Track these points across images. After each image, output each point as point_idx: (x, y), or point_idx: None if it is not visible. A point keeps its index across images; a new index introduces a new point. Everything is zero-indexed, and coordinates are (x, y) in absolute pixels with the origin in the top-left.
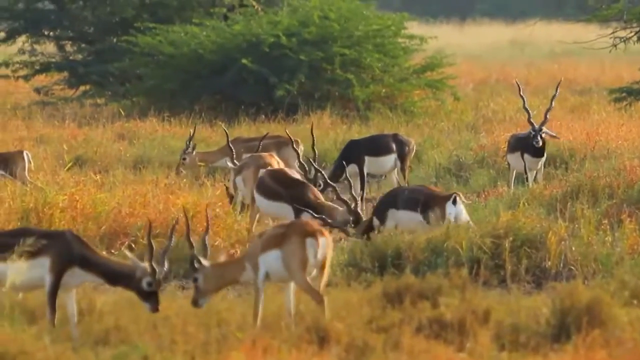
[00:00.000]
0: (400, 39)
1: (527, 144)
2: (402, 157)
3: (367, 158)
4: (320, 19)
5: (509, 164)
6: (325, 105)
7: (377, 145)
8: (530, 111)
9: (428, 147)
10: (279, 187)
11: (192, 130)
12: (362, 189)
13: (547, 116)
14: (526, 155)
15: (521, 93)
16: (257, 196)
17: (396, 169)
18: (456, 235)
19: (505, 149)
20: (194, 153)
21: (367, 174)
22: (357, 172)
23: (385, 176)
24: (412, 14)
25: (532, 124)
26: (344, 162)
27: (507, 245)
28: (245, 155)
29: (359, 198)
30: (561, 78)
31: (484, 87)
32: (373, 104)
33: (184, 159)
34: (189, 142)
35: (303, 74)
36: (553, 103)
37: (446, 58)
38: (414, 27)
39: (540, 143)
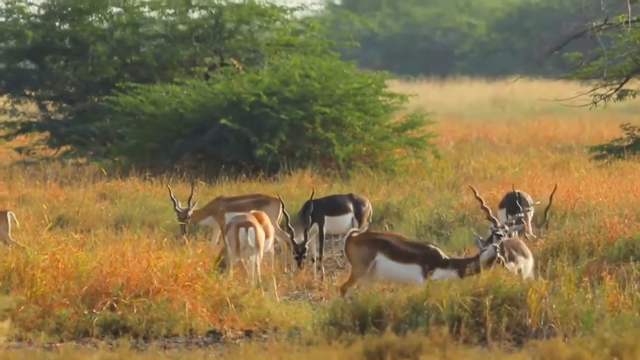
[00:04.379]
0: (381, 97)
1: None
2: (359, 216)
3: (326, 217)
4: (301, 78)
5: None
6: (306, 164)
7: (336, 205)
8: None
9: (409, 206)
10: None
11: (192, 189)
12: (321, 248)
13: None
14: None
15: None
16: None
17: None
18: (437, 293)
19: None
20: (191, 212)
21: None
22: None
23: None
24: (392, 72)
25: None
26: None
27: (487, 303)
28: (228, 215)
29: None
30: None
31: (465, 145)
32: (354, 163)
33: (187, 217)
34: (189, 201)
35: (284, 133)
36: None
37: (427, 116)
38: (395, 86)
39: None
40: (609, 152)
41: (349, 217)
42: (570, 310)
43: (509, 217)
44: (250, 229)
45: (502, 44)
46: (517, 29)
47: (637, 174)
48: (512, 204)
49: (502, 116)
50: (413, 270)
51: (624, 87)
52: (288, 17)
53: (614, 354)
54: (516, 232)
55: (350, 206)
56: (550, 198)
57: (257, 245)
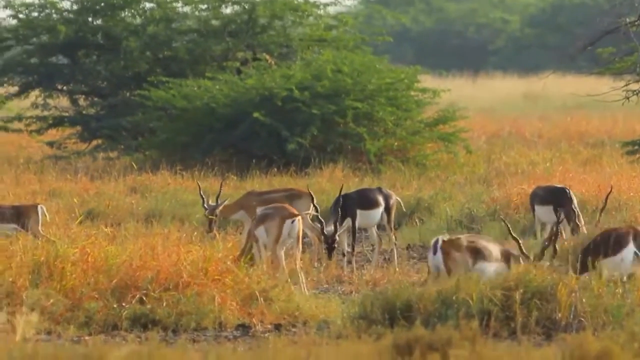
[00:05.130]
0: (413, 92)
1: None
2: (387, 210)
3: (358, 211)
4: (333, 73)
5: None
6: (338, 159)
7: (367, 199)
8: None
9: (440, 200)
10: None
11: (220, 186)
12: (353, 242)
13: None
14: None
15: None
16: None
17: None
18: (467, 287)
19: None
20: (220, 208)
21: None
22: (350, 226)
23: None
24: (424, 67)
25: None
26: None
27: (517, 297)
28: (259, 209)
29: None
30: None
31: (497, 140)
32: (385, 157)
33: (215, 215)
34: (218, 198)
35: (315, 128)
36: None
37: (459, 111)
38: (427, 81)
39: None
40: None
41: (379, 210)
42: (600, 305)
43: (558, 212)
44: (296, 220)
45: (535, 40)
46: (551, 25)
47: None
48: (559, 199)
49: (534, 111)
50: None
51: None
52: (321, 12)
53: None
54: (568, 229)
55: (381, 200)
56: (605, 200)
57: (298, 238)
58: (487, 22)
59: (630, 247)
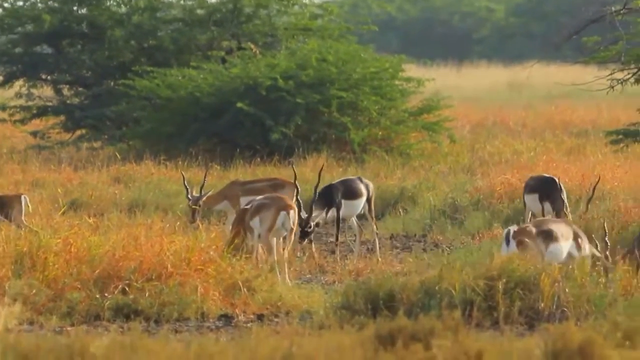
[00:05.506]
0: (398, 81)
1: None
2: (369, 200)
3: (343, 201)
4: (317, 62)
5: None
6: (322, 148)
7: (351, 189)
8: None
9: (424, 190)
10: None
11: (204, 177)
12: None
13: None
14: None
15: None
16: None
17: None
18: (450, 277)
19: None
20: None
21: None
22: (335, 217)
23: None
24: (409, 57)
25: None
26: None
27: (500, 287)
28: (243, 198)
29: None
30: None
31: (481, 130)
32: (369, 147)
33: (199, 205)
34: (202, 189)
35: (299, 117)
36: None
37: (443, 100)
38: (412, 70)
39: None
40: (625, 136)
41: (363, 200)
42: (583, 295)
43: (546, 203)
44: (291, 212)
45: (520, 29)
46: (536, 14)
47: None
48: (547, 189)
49: (519, 100)
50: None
51: None
52: (306, 1)
53: (626, 338)
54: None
55: (363, 189)
56: (593, 190)
57: (292, 229)
58: (472, 11)
59: None
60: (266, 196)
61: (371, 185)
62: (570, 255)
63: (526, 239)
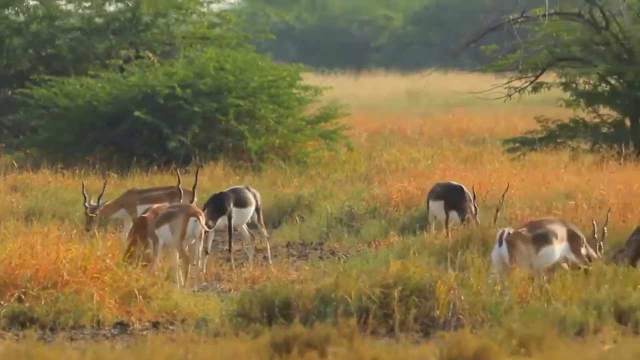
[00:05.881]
0: (295, 89)
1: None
2: (257, 208)
3: (235, 210)
4: (215, 71)
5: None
6: (219, 156)
7: (242, 198)
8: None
9: (320, 198)
10: None
11: (104, 186)
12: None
13: None
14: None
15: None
16: None
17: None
18: (346, 284)
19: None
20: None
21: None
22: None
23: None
24: (307, 65)
25: None
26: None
27: (396, 294)
28: (140, 207)
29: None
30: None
31: (378, 138)
32: (266, 155)
33: (95, 214)
34: (100, 198)
35: (197, 125)
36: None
37: (340, 109)
38: (309, 78)
39: None
40: (522, 144)
41: (252, 209)
42: (478, 302)
43: (452, 212)
44: (201, 218)
45: (418, 37)
46: (434, 22)
47: (549, 167)
48: (453, 196)
49: (417, 109)
50: None
51: (539, 79)
52: (204, 10)
53: (521, 345)
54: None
55: (252, 198)
56: (502, 198)
57: (200, 236)
58: (371, 19)
59: None
60: (172, 205)
61: (258, 195)
62: (565, 258)
63: (519, 242)
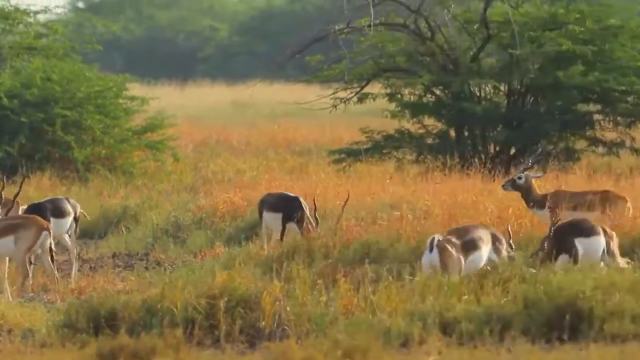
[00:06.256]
0: (122, 100)
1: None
2: (76, 219)
3: (53, 220)
4: (42, 81)
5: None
6: (46, 167)
7: (60, 208)
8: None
9: (146, 208)
10: None
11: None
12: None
13: None
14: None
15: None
16: None
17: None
18: (171, 295)
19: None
20: None
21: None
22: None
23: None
24: (134, 76)
25: None
26: None
27: (222, 305)
28: None
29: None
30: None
31: (204, 148)
32: (93, 165)
33: None
34: None
35: (24, 136)
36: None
37: (167, 119)
38: (136, 89)
39: None
40: (347, 155)
41: (70, 219)
42: (304, 313)
43: (290, 224)
44: (49, 231)
45: (243, 48)
46: (260, 33)
47: (374, 177)
48: (291, 208)
49: (243, 119)
50: None
51: (365, 90)
52: (31, 20)
53: (347, 356)
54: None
55: (71, 209)
56: (342, 209)
57: (49, 248)
58: (197, 30)
59: None
60: (17, 216)
61: (78, 206)
62: (489, 260)
63: (449, 248)
